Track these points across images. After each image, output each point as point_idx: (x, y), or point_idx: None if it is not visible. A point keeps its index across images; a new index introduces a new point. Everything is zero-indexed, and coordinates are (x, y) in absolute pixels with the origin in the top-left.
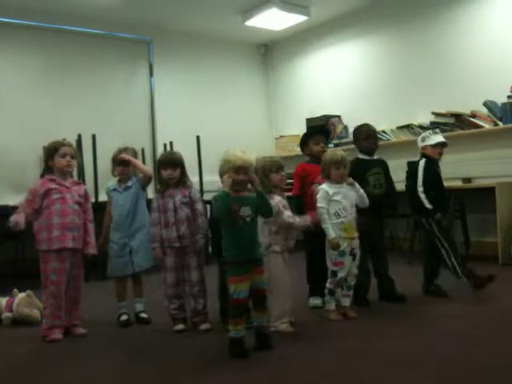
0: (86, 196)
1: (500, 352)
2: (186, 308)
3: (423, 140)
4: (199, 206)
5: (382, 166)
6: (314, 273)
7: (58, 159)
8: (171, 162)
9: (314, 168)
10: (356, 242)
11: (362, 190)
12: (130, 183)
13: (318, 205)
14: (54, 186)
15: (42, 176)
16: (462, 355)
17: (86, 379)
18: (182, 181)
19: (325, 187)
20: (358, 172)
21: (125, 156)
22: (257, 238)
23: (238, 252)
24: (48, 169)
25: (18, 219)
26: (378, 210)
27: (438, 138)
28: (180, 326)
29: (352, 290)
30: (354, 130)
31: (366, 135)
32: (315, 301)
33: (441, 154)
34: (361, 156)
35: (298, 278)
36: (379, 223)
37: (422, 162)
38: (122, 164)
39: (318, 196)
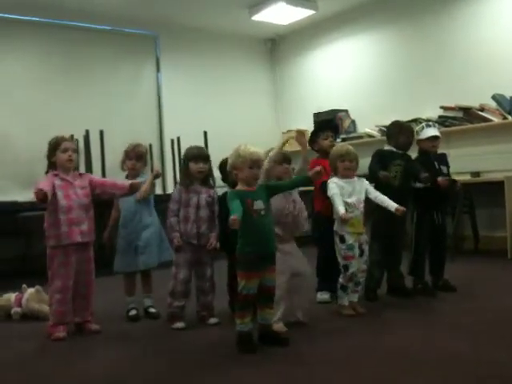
0: (91, 183)
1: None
2: (186, 308)
3: (417, 134)
4: (217, 208)
5: (404, 158)
6: (324, 268)
7: (59, 154)
8: (204, 155)
9: (325, 163)
10: (363, 238)
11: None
12: (140, 180)
13: (331, 192)
14: (57, 182)
15: (46, 173)
16: (473, 352)
17: (97, 375)
18: (209, 177)
19: (334, 179)
20: (382, 159)
21: (158, 171)
22: (272, 233)
23: (253, 247)
24: (51, 164)
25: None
26: (397, 203)
27: (430, 131)
28: (181, 324)
29: (360, 286)
30: (401, 123)
31: (411, 134)
32: (323, 296)
33: (434, 147)
34: (387, 147)
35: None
36: (399, 218)
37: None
38: (136, 159)
39: (329, 187)
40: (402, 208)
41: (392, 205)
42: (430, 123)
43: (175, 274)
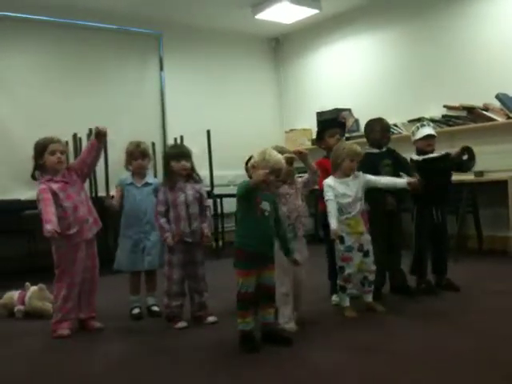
0: (76, 172)
1: None
2: (184, 306)
3: (413, 134)
4: (207, 203)
5: (391, 156)
6: (336, 270)
7: (47, 157)
8: (185, 153)
9: (329, 164)
10: (365, 238)
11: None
12: (150, 180)
13: (326, 197)
14: (54, 185)
15: (32, 175)
16: (475, 352)
17: (99, 372)
18: (193, 174)
19: (328, 181)
20: (371, 165)
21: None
22: (271, 235)
23: (250, 242)
24: (38, 166)
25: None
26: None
27: (425, 130)
28: (184, 324)
29: (373, 285)
30: (369, 122)
31: (381, 128)
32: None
33: (430, 146)
34: (369, 150)
35: (320, 274)
36: (395, 217)
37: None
38: (141, 157)
39: (324, 191)
40: (414, 180)
41: (401, 181)
42: (425, 123)
43: (169, 275)
